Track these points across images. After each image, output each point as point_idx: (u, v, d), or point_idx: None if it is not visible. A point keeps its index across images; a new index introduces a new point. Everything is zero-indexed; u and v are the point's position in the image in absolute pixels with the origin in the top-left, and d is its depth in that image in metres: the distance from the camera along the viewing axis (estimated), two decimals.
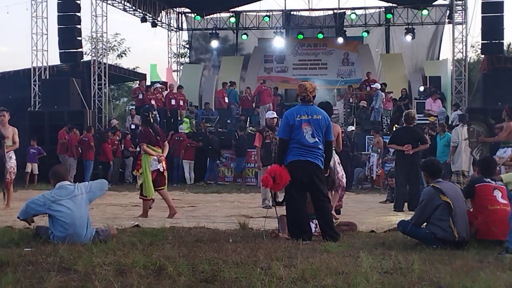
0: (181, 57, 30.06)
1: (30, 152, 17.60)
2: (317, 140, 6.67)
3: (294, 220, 6.66)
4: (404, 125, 11.34)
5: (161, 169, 9.31)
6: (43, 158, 17.83)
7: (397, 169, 11.02)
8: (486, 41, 19.47)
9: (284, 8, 26.13)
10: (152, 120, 9.58)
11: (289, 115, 6.78)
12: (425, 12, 24.16)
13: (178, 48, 28.31)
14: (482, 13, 19.18)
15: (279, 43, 25.35)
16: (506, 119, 10.29)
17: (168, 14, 26.94)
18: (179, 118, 20.59)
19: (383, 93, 20.20)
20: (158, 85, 21.33)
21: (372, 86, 20.70)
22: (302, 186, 6.67)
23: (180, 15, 27.53)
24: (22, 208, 6.46)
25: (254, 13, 26.38)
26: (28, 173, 17.42)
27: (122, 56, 36.50)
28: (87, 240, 6.22)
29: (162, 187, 9.43)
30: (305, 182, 6.63)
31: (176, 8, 27.00)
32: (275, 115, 11.72)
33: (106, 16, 21.68)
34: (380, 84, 20.94)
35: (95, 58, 22.06)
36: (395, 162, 11.44)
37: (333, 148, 8.28)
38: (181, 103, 20.92)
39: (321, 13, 26.15)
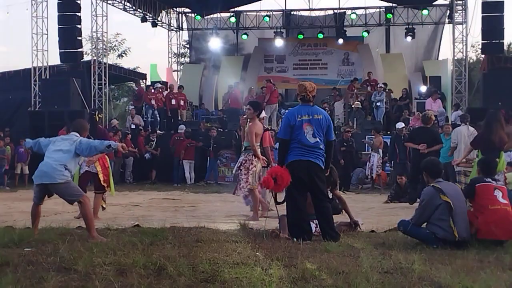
0: (181, 57, 30.09)
1: (20, 152, 17.35)
2: (318, 140, 6.68)
3: (294, 220, 6.66)
4: (422, 125, 11.99)
5: (93, 171, 8.79)
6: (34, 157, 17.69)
7: (412, 166, 11.78)
8: (486, 41, 19.46)
9: (284, 8, 26.15)
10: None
11: (290, 115, 6.79)
12: (425, 12, 24.17)
13: (178, 48, 28.34)
14: (482, 13, 19.18)
15: (279, 43, 25.35)
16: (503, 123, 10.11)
17: (168, 14, 26.96)
18: (179, 118, 20.60)
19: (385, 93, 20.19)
20: (159, 85, 21.34)
21: (378, 86, 20.58)
22: (303, 186, 6.67)
23: (180, 15, 27.54)
24: (34, 140, 7.06)
25: (254, 13, 26.39)
26: (18, 174, 17.35)
27: (122, 56, 36.58)
28: (50, 178, 6.56)
29: (100, 191, 8.88)
30: (306, 182, 6.63)
31: (176, 8, 27.01)
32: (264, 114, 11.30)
33: (106, 16, 21.74)
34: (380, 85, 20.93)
35: (95, 58, 22.08)
36: (410, 160, 12.33)
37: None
38: (182, 103, 20.93)
39: (321, 13, 26.16)
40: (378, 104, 19.66)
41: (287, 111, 9.52)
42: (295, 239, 6.37)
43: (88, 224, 6.61)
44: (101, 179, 8.80)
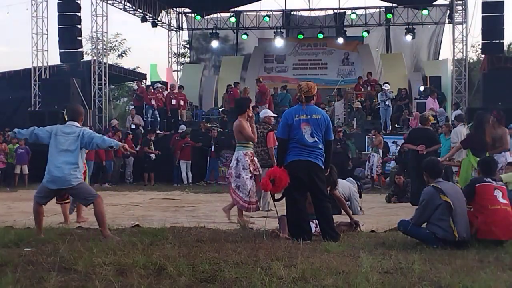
0: (181, 57, 30.09)
1: (18, 152, 17.23)
2: (317, 139, 6.66)
3: (294, 220, 6.65)
4: (419, 126, 12.14)
5: None
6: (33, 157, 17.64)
7: (411, 167, 11.69)
8: (486, 41, 19.48)
9: (284, 8, 26.15)
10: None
11: (288, 115, 6.78)
12: (425, 12, 24.17)
13: (178, 48, 28.35)
14: (482, 13, 19.20)
15: (279, 43, 25.36)
16: (495, 124, 9.99)
17: (168, 14, 26.96)
18: (179, 118, 20.59)
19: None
20: (159, 85, 21.34)
21: (384, 88, 20.49)
22: (302, 186, 6.66)
23: (180, 15, 27.54)
24: (27, 130, 6.89)
25: (254, 13, 26.40)
26: (17, 174, 17.28)
27: (122, 56, 36.59)
28: (65, 183, 6.55)
29: (64, 201, 7.97)
30: (305, 182, 6.63)
31: (176, 8, 27.01)
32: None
33: (106, 16, 21.74)
34: (380, 84, 20.89)
35: (95, 58, 22.08)
36: (410, 161, 12.02)
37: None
38: (182, 103, 20.93)
39: (321, 13, 26.17)
40: (387, 103, 19.50)
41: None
42: (295, 239, 6.37)
43: (101, 223, 6.64)
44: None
